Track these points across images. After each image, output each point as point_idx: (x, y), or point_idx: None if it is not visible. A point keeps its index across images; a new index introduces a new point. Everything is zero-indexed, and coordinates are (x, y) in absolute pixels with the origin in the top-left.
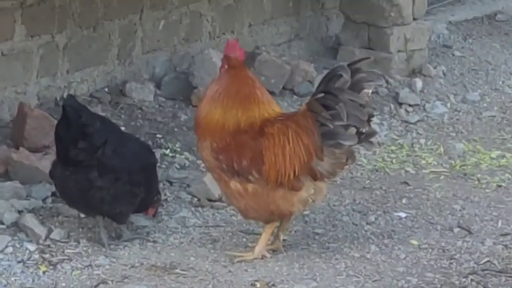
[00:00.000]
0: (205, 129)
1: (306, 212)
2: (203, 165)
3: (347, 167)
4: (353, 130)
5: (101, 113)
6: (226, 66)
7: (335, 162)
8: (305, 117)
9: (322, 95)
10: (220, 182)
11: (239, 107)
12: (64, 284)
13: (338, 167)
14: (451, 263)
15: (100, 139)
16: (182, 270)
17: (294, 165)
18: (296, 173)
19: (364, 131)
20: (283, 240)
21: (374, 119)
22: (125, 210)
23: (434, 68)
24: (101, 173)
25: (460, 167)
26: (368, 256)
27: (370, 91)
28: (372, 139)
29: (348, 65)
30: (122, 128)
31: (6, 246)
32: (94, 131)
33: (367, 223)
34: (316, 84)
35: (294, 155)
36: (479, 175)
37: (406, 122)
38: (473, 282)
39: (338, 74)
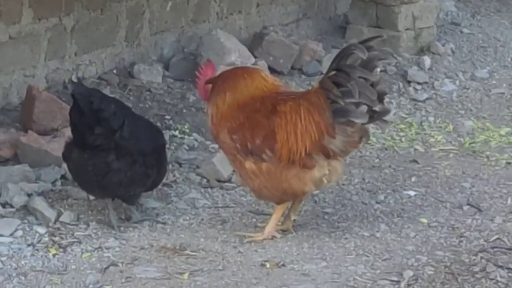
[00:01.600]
0: (220, 118)
1: (315, 192)
2: (212, 146)
3: (360, 145)
4: (364, 108)
5: (110, 95)
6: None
7: (347, 140)
8: (317, 95)
9: (334, 72)
10: (235, 162)
11: (242, 83)
12: (74, 267)
13: (351, 145)
14: (461, 241)
15: (117, 122)
16: (192, 251)
17: (305, 142)
18: (307, 150)
19: (377, 109)
20: (293, 220)
21: None
22: (138, 192)
23: (443, 45)
24: (119, 155)
25: (469, 144)
26: (378, 235)
27: (378, 69)
28: (386, 118)
29: (360, 43)
30: None
31: (16, 230)
32: (109, 115)
33: (376, 202)
34: (327, 62)
35: (305, 133)
36: (488, 152)
37: (415, 100)
38: (482, 260)
39: (351, 52)
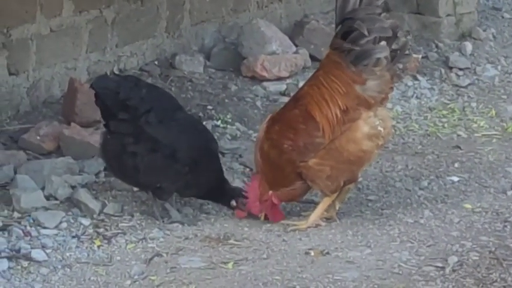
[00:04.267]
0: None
1: (359, 179)
2: (254, 135)
3: (394, 85)
4: (382, 42)
5: None
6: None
7: (380, 81)
8: (328, 56)
9: (339, 27)
10: (303, 173)
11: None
12: (118, 258)
13: (385, 85)
14: (505, 226)
15: (143, 107)
16: (236, 240)
17: (336, 101)
18: (341, 106)
19: (397, 46)
20: (338, 208)
21: (425, 83)
22: (165, 186)
23: (484, 30)
24: (139, 139)
25: None
26: (422, 221)
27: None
28: (407, 51)
29: None
30: None
31: (61, 222)
32: (136, 102)
33: (420, 188)
34: None
35: (333, 92)
36: None
37: (457, 86)
38: None
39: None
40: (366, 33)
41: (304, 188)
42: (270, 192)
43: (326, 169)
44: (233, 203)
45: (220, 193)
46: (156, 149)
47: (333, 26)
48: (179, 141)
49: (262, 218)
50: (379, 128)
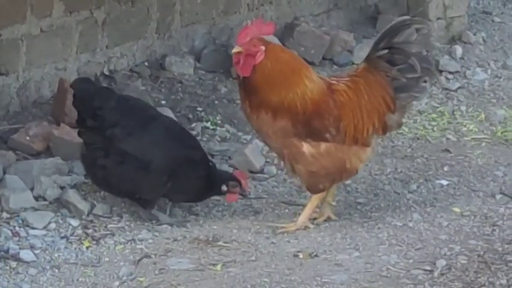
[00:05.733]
0: (279, 108)
1: (347, 182)
2: (244, 137)
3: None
4: (424, 82)
5: (141, 88)
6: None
7: (402, 115)
8: (371, 72)
9: (386, 51)
10: (290, 149)
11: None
12: (107, 259)
13: (403, 118)
14: (494, 230)
15: (111, 120)
16: (225, 242)
17: (373, 119)
18: (375, 126)
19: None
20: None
21: None
22: (144, 197)
23: (474, 34)
24: (108, 153)
25: (502, 133)
26: (411, 224)
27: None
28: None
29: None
30: (163, 102)
31: (50, 223)
32: (106, 113)
33: (409, 191)
34: (358, 52)
35: (372, 109)
36: None
37: (447, 89)
38: None
39: (402, 27)
40: (419, 72)
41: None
42: (263, 48)
43: (315, 165)
44: (223, 187)
45: (211, 186)
46: (126, 162)
47: (374, 40)
48: (152, 152)
49: (236, 50)
50: (371, 155)
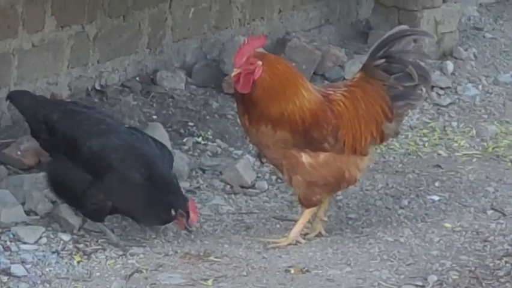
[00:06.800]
0: (279, 120)
1: (339, 197)
2: (235, 152)
3: None
4: (420, 89)
5: (132, 103)
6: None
7: (399, 124)
8: (368, 81)
9: (383, 60)
10: (290, 160)
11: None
12: (98, 274)
13: (400, 127)
14: (485, 246)
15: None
16: (216, 257)
17: (370, 128)
18: (374, 135)
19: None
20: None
21: None
22: (86, 206)
23: (465, 50)
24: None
25: (493, 149)
26: (402, 240)
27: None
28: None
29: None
30: (154, 117)
31: (41, 237)
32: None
33: (400, 207)
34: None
35: (370, 118)
36: (511, 157)
37: (438, 105)
38: (507, 264)
39: (399, 38)
40: (416, 80)
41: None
42: (260, 63)
43: (314, 175)
44: (173, 211)
45: (158, 207)
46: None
47: (367, 51)
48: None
49: (234, 74)
50: (369, 164)
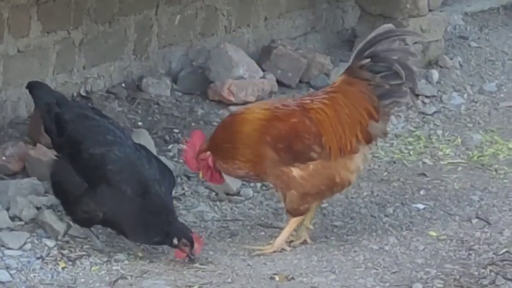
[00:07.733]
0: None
1: (324, 205)
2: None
3: None
4: (406, 87)
5: (118, 109)
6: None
7: (386, 123)
8: (350, 83)
9: (368, 60)
10: (281, 178)
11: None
12: (83, 280)
13: (386, 127)
14: (470, 254)
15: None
16: (201, 264)
17: (355, 130)
18: (359, 138)
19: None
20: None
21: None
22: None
23: (451, 59)
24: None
25: (478, 157)
26: (387, 248)
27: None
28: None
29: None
30: (139, 123)
31: (25, 243)
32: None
33: (385, 215)
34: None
35: (353, 121)
36: (496, 166)
37: (423, 113)
38: (492, 273)
39: (384, 38)
40: (403, 78)
41: (248, 177)
42: (208, 153)
43: (307, 186)
44: (175, 241)
45: (159, 232)
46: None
47: (353, 55)
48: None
49: (201, 175)
50: (362, 165)
